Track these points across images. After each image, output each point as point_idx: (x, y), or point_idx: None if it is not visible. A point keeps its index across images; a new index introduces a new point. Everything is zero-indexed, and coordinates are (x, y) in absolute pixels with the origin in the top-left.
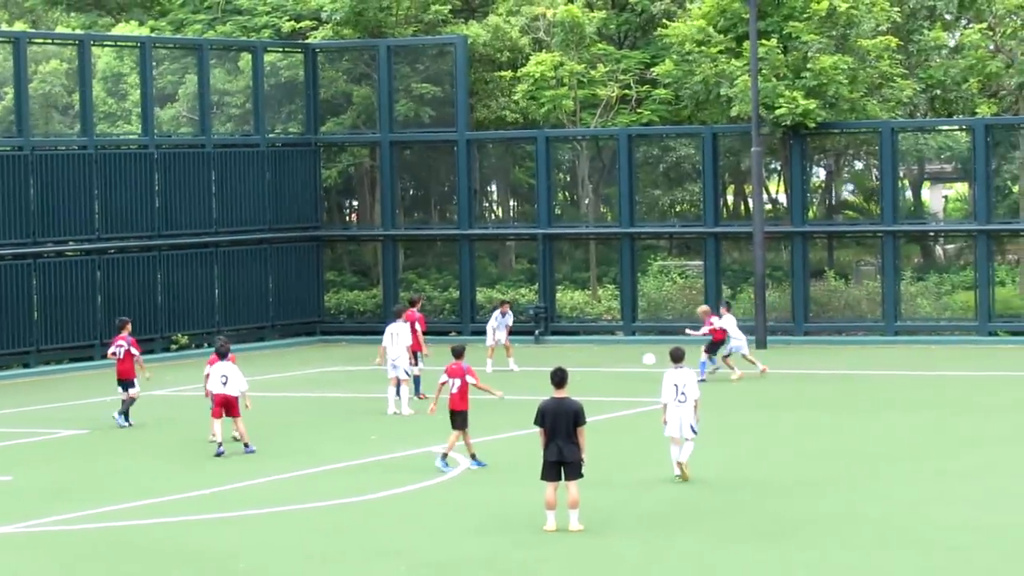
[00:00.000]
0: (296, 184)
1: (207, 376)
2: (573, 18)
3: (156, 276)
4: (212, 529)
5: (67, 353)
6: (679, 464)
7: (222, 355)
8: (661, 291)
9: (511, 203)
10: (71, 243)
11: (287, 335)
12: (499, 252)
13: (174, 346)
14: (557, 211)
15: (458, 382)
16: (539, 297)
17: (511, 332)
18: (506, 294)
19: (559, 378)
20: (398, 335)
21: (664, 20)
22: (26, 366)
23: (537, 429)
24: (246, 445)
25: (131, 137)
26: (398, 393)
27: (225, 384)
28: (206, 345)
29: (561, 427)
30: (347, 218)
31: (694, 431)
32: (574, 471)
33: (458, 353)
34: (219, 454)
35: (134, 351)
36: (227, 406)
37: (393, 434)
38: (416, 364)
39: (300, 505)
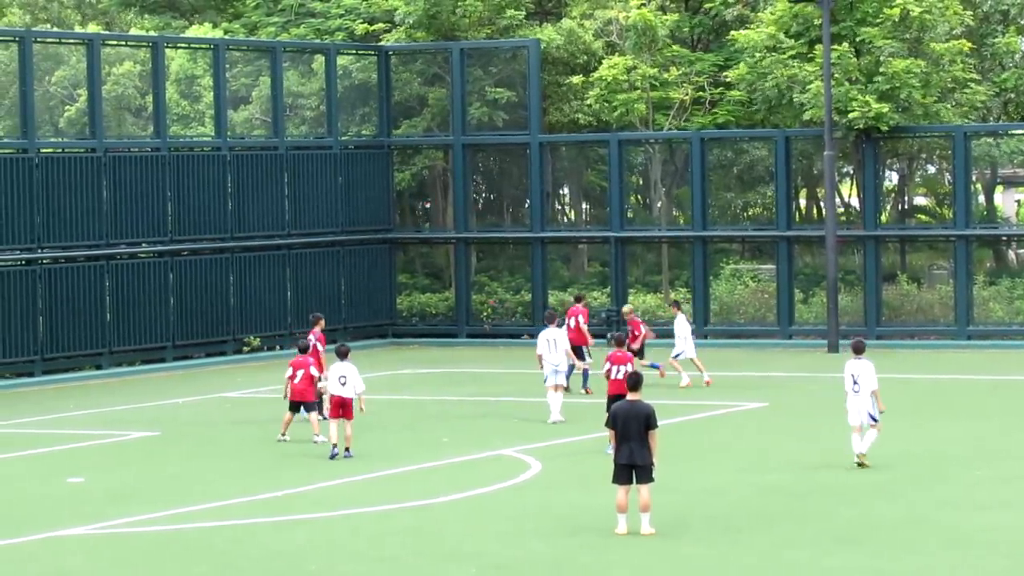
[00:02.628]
0: (369, 186)
1: (290, 377)
2: (646, 21)
3: (229, 278)
4: (283, 531)
5: (139, 355)
6: (859, 454)
7: (342, 356)
8: (733, 295)
9: (583, 206)
10: (144, 245)
11: (359, 337)
12: (571, 255)
13: (246, 348)
14: (629, 214)
15: (624, 368)
16: (611, 300)
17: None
18: None
19: (633, 382)
20: (556, 340)
21: (737, 24)
22: (99, 367)
23: (608, 432)
24: (347, 449)
25: (204, 139)
26: None
27: (343, 385)
28: (278, 348)
29: (633, 430)
30: (419, 221)
31: (874, 419)
32: (645, 475)
33: (620, 341)
34: (333, 456)
35: (320, 347)
36: (343, 407)
37: (464, 437)
38: (584, 359)
39: (371, 507)
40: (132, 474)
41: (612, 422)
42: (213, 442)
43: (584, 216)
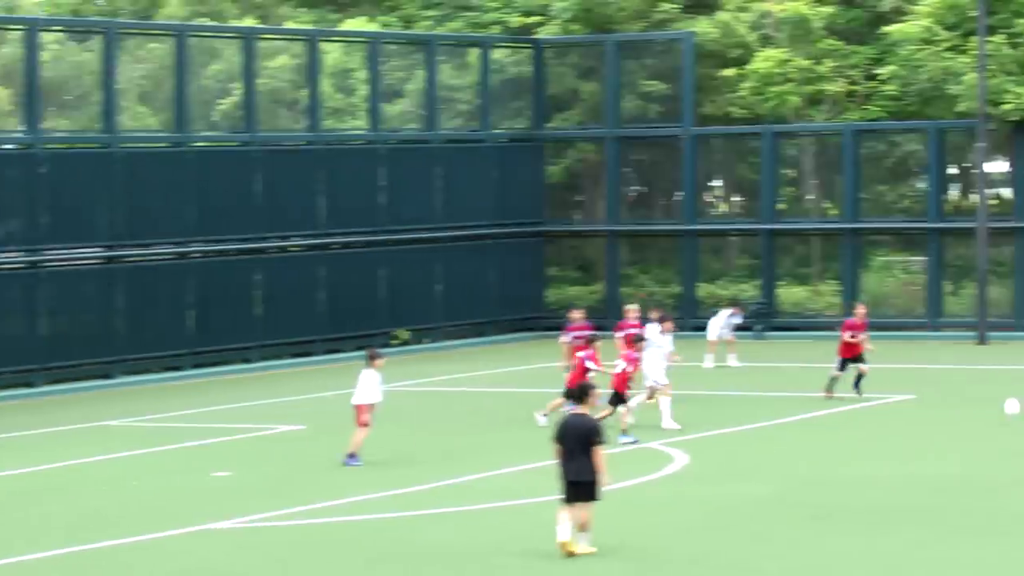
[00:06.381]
0: (521, 180)
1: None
2: (800, 14)
3: (380, 272)
4: (431, 524)
5: (288, 348)
6: None
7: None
8: (883, 287)
9: (735, 198)
10: (296, 238)
11: (508, 330)
12: (721, 247)
13: (395, 341)
14: (781, 206)
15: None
16: (761, 292)
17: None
18: (728, 290)
19: (579, 393)
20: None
21: (893, 16)
22: (246, 361)
23: (554, 447)
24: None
25: (358, 132)
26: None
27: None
28: (429, 341)
29: (577, 445)
30: (571, 213)
31: None
32: (587, 492)
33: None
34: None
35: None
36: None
37: (610, 429)
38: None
39: (520, 500)
40: (278, 468)
41: (558, 436)
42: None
43: (735, 208)
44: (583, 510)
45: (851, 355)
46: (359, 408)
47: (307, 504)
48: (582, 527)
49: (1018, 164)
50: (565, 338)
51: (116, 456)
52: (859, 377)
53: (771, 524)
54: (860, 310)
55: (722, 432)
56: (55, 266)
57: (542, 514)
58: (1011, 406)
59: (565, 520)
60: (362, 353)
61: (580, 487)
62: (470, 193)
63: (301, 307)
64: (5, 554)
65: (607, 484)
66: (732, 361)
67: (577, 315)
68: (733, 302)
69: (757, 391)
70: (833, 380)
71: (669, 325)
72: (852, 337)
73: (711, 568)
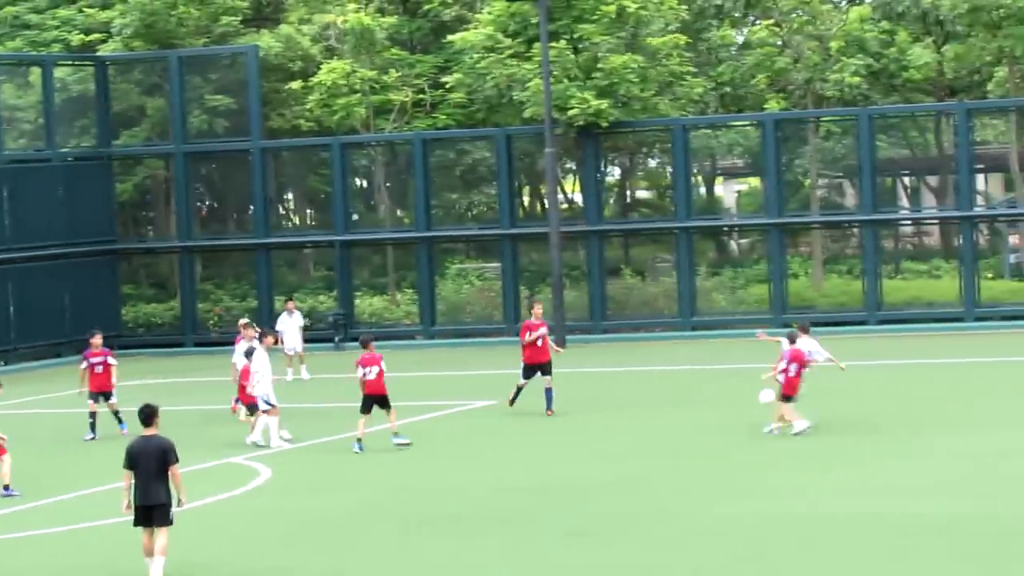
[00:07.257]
0: (90, 198)
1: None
2: (363, 25)
3: None
4: (11, 549)
5: None
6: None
7: None
8: (460, 294)
9: (308, 211)
10: None
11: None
12: (297, 260)
13: None
14: (355, 217)
15: (375, 369)
16: (338, 304)
17: (307, 340)
18: (304, 302)
19: (145, 415)
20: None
21: (456, 25)
22: None
23: (124, 472)
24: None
25: None
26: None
27: None
28: (3, 364)
29: (151, 468)
30: (143, 231)
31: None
32: (162, 516)
33: (366, 342)
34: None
35: None
36: None
37: (193, 446)
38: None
39: (101, 521)
40: None
41: (129, 461)
42: None
43: (309, 221)
44: (159, 535)
45: (535, 361)
46: None
47: None
48: (159, 552)
49: (586, 168)
50: (84, 363)
51: None
52: (548, 392)
53: (359, 534)
54: (537, 309)
55: (306, 444)
56: None
57: (124, 535)
58: (765, 395)
59: (151, 560)
60: None
61: (154, 511)
62: (39, 213)
63: None
64: None
65: (186, 502)
66: (304, 374)
67: (97, 340)
68: (287, 300)
69: (338, 402)
70: (519, 390)
71: (270, 340)
72: (538, 342)
73: None
